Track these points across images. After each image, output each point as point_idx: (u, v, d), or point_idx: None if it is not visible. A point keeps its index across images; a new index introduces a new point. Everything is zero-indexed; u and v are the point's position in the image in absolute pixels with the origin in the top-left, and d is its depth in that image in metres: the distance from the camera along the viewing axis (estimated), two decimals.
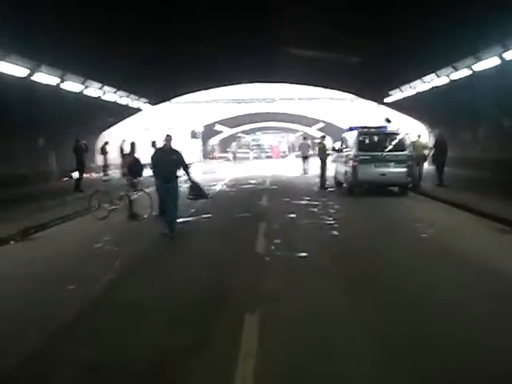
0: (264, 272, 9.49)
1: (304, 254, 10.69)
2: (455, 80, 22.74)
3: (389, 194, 21.31)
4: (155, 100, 35.86)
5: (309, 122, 74.42)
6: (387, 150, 21.09)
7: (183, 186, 14.73)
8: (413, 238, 12.35)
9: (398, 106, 34.87)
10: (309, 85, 40.82)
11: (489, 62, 19.68)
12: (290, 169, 42.36)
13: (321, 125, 74.27)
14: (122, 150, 33.19)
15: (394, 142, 21.30)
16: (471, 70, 20.95)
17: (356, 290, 8.30)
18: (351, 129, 23.58)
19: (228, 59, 26.89)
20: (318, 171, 26.10)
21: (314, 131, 79.19)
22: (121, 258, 10.79)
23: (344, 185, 23.19)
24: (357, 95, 42.16)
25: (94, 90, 24.95)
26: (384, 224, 14.50)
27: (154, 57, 23.21)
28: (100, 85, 25.11)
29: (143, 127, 48.69)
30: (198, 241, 12.75)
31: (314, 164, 35.51)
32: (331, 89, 40.56)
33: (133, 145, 16.91)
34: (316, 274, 9.32)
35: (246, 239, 12.46)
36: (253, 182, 29.34)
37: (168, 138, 13.69)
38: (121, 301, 8.08)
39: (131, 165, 16.28)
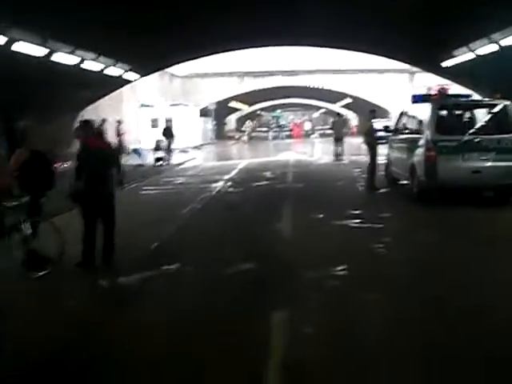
0: None
1: None
2: None
3: (482, 202, 13.39)
4: (145, 68, 27.76)
5: (334, 97, 66.43)
6: (483, 131, 13.16)
7: None
8: None
9: (457, 72, 26.57)
10: (339, 48, 32.46)
11: None
12: (317, 152, 34.46)
13: (347, 100, 66.18)
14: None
15: (493, 119, 13.37)
16: None
17: None
18: (416, 99, 15.62)
19: (235, 15, 19.34)
20: (362, 160, 18.22)
21: (338, 108, 70.89)
22: None
23: (403, 182, 15.40)
24: (404, 61, 33.74)
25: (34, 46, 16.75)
26: None
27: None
28: (41, 40, 16.88)
29: (140, 103, 40.89)
30: None
31: (348, 147, 28.00)
32: (369, 53, 32.06)
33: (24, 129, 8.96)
34: None
35: None
36: (269, 174, 21.38)
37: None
38: None
39: (28, 168, 8.43)
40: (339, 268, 7.85)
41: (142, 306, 6.69)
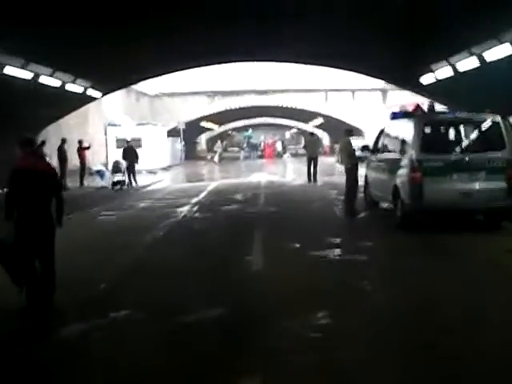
0: None
1: None
2: None
3: (471, 227, 12.20)
4: (106, 85, 26.27)
5: (306, 116, 65.61)
6: (472, 149, 12.07)
7: None
8: None
9: (433, 89, 25.55)
10: (315, 64, 31.40)
11: None
12: (290, 173, 33.33)
13: (319, 120, 65.35)
14: (61, 154, 24.06)
15: (482, 136, 12.30)
16: None
17: None
18: (395, 116, 14.53)
19: (207, 29, 18.35)
20: (337, 181, 17.00)
21: (310, 127, 70.00)
22: None
23: (384, 205, 14.25)
24: (381, 78, 32.96)
25: None
26: None
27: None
28: None
29: (107, 123, 39.22)
30: None
31: (322, 167, 26.93)
32: (345, 69, 31.03)
33: None
34: None
35: None
36: (239, 197, 20.05)
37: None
38: None
39: None
40: (320, 315, 6.53)
41: (76, 371, 5.28)
